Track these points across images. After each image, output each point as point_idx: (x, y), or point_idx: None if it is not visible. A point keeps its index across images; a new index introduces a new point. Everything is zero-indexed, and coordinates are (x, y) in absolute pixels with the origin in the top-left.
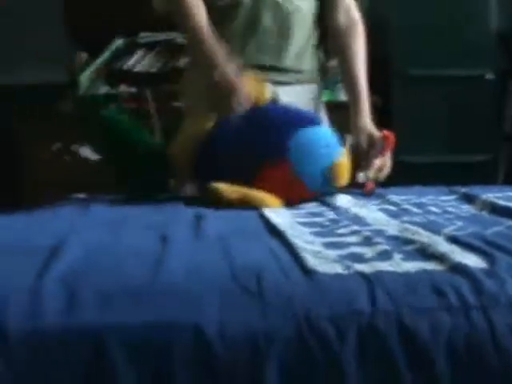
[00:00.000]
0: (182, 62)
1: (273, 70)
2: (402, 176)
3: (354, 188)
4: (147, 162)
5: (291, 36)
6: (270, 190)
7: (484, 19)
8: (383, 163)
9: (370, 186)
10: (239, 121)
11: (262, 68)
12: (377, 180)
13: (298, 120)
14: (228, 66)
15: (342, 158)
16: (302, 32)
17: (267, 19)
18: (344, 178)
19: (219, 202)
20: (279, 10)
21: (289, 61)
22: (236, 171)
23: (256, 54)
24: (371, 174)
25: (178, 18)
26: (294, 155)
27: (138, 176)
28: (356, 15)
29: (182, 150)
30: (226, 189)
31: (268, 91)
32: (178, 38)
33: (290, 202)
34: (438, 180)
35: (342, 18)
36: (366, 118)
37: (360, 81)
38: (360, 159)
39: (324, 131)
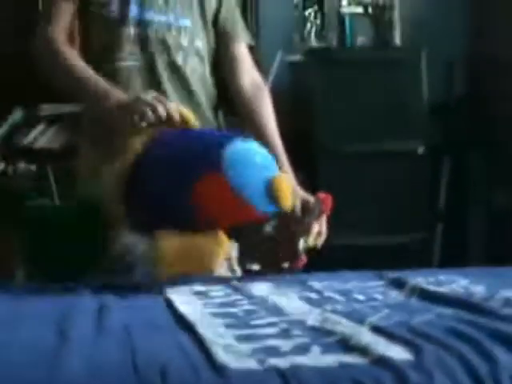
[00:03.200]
0: None
1: None
2: (328, 260)
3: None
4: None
5: (192, 99)
6: (208, 210)
7: (416, 92)
8: (321, 228)
9: (303, 260)
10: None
11: None
12: (315, 248)
13: (231, 133)
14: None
15: (282, 175)
16: (202, 94)
17: (167, 82)
18: (288, 196)
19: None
20: (177, 72)
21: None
22: (168, 196)
23: None
24: (311, 240)
25: (54, 67)
26: (228, 166)
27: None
28: (259, 79)
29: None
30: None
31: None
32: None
33: (236, 226)
34: (369, 264)
35: (246, 82)
36: (293, 183)
37: (277, 146)
38: (295, 227)
39: (258, 146)
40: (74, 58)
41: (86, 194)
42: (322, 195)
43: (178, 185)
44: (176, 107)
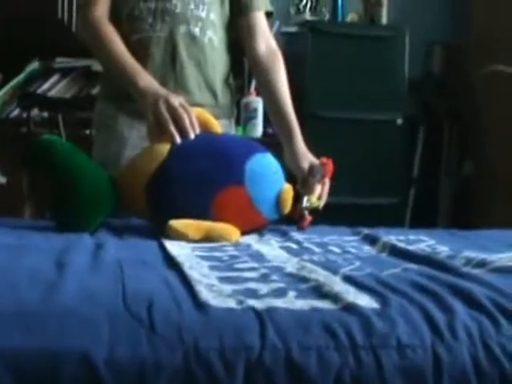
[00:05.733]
0: (97, 90)
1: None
2: (315, 215)
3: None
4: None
5: (207, 69)
6: (225, 218)
7: (398, 67)
8: (323, 191)
9: (308, 219)
10: (192, 146)
11: None
12: (317, 209)
13: (251, 146)
14: (167, 92)
15: (288, 187)
16: (217, 65)
17: (184, 53)
18: (289, 205)
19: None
20: (195, 42)
21: (206, 95)
22: (191, 199)
23: (174, 89)
24: (314, 200)
25: (96, 48)
26: (249, 180)
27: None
28: (275, 46)
29: (133, 182)
30: (187, 227)
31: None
32: (94, 65)
33: (244, 231)
34: (347, 222)
35: (262, 48)
36: (303, 146)
37: (289, 109)
38: (301, 187)
39: (272, 158)
40: (112, 38)
41: (101, 160)
42: (324, 160)
43: (200, 193)
44: (200, 114)
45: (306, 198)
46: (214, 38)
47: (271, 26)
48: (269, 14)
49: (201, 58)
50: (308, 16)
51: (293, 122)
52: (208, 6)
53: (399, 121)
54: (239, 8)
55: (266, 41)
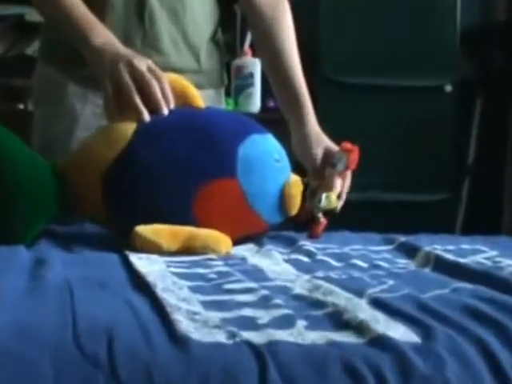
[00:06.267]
0: (34, 48)
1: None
2: (330, 217)
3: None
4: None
5: (187, 21)
6: (211, 222)
7: (446, 13)
8: (343, 187)
9: (323, 223)
10: (165, 124)
11: None
12: (333, 210)
13: (245, 125)
14: (131, 52)
15: (295, 179)
16: (199, 16)
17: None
18: (297, 204)
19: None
20: None
21: (185, 57)
22: (165, 196)
23: (142, 49)
24: (334, 197)
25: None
26: (242, 169)
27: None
28: None
29: (86, 173)
30: (160, 234)
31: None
32: (30, 13)
33: (237, 238)
34: (377, 225)
35: None
36: (316, 125)
37: (297, 74)
38: (313, 180)
39: (274, 141)
40: None
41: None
42: (348, 145)
43: (177, 188)
44: (175, 81)
45: (324, 195)
46: None
47: None
48: None
49: (178, 5)
50: None
51: (302, 93)
52: None
53: (448, 87)
54: None
55: None
